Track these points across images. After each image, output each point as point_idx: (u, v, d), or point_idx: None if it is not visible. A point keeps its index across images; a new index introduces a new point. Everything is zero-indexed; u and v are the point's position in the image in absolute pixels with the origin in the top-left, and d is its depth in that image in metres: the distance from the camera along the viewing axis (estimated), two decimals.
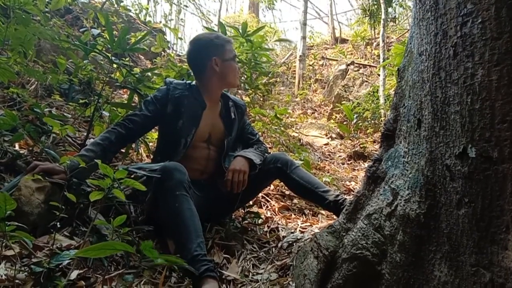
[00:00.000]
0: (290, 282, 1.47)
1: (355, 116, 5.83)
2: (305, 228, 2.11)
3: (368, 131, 5.84)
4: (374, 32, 9.56)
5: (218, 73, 1.91)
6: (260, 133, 4.10)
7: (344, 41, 10.81)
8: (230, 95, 2.11)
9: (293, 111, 7.09)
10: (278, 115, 4.00)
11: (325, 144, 5.36)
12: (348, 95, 7.19)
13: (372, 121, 5.92)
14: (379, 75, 6.64)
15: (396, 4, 9.30)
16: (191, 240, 1.42)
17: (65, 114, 2.48)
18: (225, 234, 1.86)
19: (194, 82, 1.98)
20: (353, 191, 3.10)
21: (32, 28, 1.87)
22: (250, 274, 1.60)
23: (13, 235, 1.03)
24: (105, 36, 2.31)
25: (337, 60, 9.20)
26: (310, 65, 9.27)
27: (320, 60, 9.73)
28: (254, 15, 13.86)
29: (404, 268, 1.03)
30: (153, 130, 2.36)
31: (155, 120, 1.88)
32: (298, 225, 2.19)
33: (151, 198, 1.66)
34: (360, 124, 5.95)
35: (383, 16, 6.66)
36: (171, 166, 1.57)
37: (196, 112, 1.88)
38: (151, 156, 2.33)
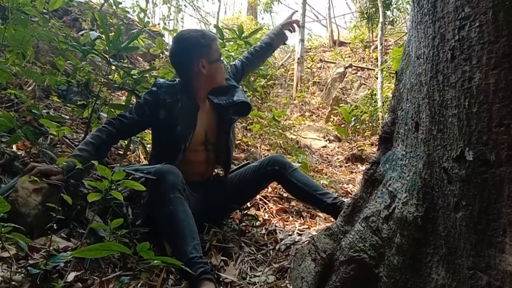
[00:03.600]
0: (288, 285, 1.46)
1: (353, 119, 5.84)
2: (303, 231, 2.11)
3: (366, 133, 5.86)
4: (372, 35, 9.60)
5: (204, 75, 1.85)
6: (258, 136, 4.11)
7: (342, 44, 10.85)
8: None
9: (291, 114, 7.10)
10: (276, 118, 4.00)
11: (323, 147, 5.37)
12: (346, 97, 7.21)
13: (370, 124, 5.94)
14: (377, 78, 6.66)
15: (394, 8, 9.33)
16: (186, 243, 1.41)
17: (63, 115, 2.48)
18: (222, 236, 1.86)
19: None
20: (351, 194, 3.11)
21: (30, 29, 1.86)
22: (248, 276, 1.60)
23: (10, 236, 1.03)
24: (103, 38, 2.31)
25: (335, 63, 9.22)
26: (308, 68, 9.28)
27: (318, 63, 9.75)
28: (252, 17, 13.88)
29: (402, 271, 1.03)
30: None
31: (145, 124, 1.86)
32: (295, 227, 2.19)
33: (147, 201, 1.66)
34: (358, 126, 5.96)
35: (381, 19, 6.70)
36: (164, 169, 1.56)
37: (191, 114, 1.84)
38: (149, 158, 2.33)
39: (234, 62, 2.23)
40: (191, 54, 1.83)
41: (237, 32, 3.66)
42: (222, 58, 1.94)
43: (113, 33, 2.10)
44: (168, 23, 10.76)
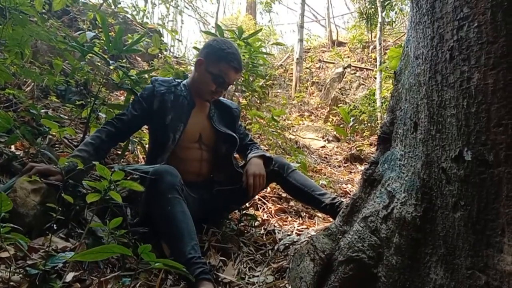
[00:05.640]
0: (287, 285, 1.46)
1: (351, 119, 5.85)
2: (302, 231, 2.11)
3: (364, 134, 5.87)
4: (371, 36, 9.61)
5: (196, 75, 1.91)
6: (257, 135, 4.11)
7: (341, 44, 10.86)
8: (222, 99, 2.08)
9: (290, 114, 7.11)
10: (275, 117, 4.00)
11: (321, 147, 5.37)
12: (344, 98, 7.22)
13: (369, 124, 5.94)
14: (375, 78, 6.67)
15: (391, 10, 9.34)
16: (185, 243, 1.41)
17: (61, 115, 2.47)
18: (221, 236, 1.86)
19: (185, 81, 1.98)
20: (350, 194, 3.11)
21: (29, 29, 1.86)
22: (246, 276, 1.60)
23: (8, 236, 1.02)
24: (101, 38, 2.30)
25: (334, 63, 9.23)
26: (307, 68, 9.29)
27: (317, 63, 9.76)
28: (252, 17, 13.87)
29: (400, 271, 1.03)
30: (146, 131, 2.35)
31: (143, 118, 1.87)
32: (294, 227, 2.19)
33: (144, 201, 1.66)
34: (357, 127, 5.97)
35: (379, 20, 6.70)
36: (162, 169, 1.56)
37: (184, 109, 1.87)
38: None
39: (249, 138, 2.20)
40: (204, 50, 1.91)
41: (237, 33, 3.66)
42: (222, 84, 1.88)
43: (112, 33, 2.10)
44: (168, 23, 10.76)
